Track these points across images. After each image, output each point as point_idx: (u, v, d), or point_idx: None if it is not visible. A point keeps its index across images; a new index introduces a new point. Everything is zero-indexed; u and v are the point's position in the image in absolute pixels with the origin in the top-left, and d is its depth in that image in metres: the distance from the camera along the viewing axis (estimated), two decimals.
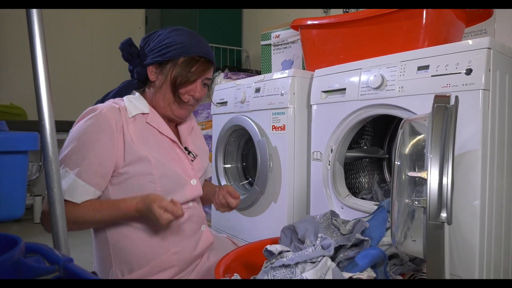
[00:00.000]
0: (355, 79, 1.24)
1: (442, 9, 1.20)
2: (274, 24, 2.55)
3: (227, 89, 1.74)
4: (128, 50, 0.99)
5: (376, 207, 1.22)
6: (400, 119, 1.56)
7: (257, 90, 1.55)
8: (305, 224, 1.03)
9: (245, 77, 1.97)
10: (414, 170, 0.78)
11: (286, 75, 1.44)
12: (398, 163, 0.72)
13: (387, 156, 1.67)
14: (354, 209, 1.26)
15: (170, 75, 0.95)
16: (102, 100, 1.01)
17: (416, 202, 0.62)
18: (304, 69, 1.61)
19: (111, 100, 0.98)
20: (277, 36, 1.87)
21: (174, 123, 1.07)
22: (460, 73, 0.97)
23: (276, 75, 1.49)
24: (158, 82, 0.97)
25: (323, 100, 1.35)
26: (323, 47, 1.49)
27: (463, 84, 0.96)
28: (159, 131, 0.97)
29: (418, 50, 1.09)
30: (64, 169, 0.85)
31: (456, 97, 0.67)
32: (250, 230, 1.60)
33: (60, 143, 0.58)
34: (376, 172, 1.66)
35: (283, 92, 1.43)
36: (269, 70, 1.95)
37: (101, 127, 0.88)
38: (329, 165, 1.33)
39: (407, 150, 0.75)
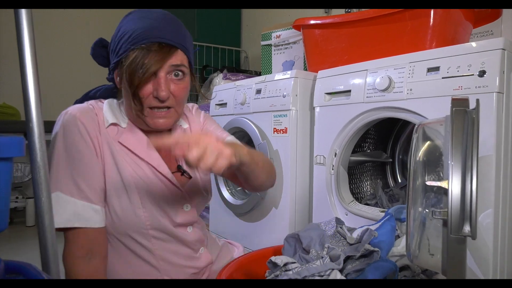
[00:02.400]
0: (360, 80, 1.19)
1: (451, 9, 1.16)
2: (273, 24, 2.50)
3: (227, 90, 1.69)
4: (101, 53, 0.81)
5: (382, 213, 1.18)
6: (406, 122, 1.52)
7: (258, 91, 1.50)
8: (310, 233, 0.98)
9: (245, 78, 1.92)
10: (429, 178, 0.73)
11: (288, 76, 1.40)
12: (414, 170, 0.68)
13: (391, 160, 1.63)
14: (359, 216, 1.22)
15: (125, 76, 0.73)
16: (81, 101, 0.85)
17: (436, 214, 0.58)
18: (305, 70, 1.56)
19: (86, 102, 0.81)
20: (278, 36, 1.83)
21: (165, 132, 0.84)
22: (472, 75, 0.92)
23: (278, 76, 1.44)
24: (122, 88, 0.77)
25: (327, 102, 1.30)
26: (326, 48, 1.44)
27: (476, 87, 0.91)
28: (135, 154, 0.78)
29: (427, 51, 1.05)
30: (55, 193, 0.70)
31: (477, 100, 0.63)
32: (250, 236, 1.55)
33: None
34: (379, 177, 1.62)
35: (285, 93, 1.38)
36: (269, 71, 1.90)
37: (71, 132, 0.73)
38: (332, 169, 1.29)
39: (421, 157, 0.70)
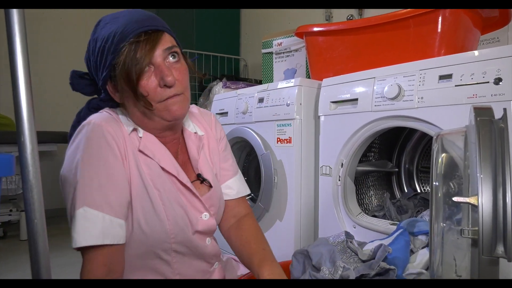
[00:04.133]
0: (368, 88, 1.15)
1: (460, 16, 1.14)
2: (272, 32, 2.48)
3: (228, 98, 1.65)
4: (82, 83, 0.76)
5: (392, 226, 1.13)
6: (411, 131, 1.49)
7: (261, 100, 1.46)
8: (319, 248, 0.93)
9: (245, 87, 1.88)
10: (449, 192, 0.69)
11: (292, 84, 1.36)
12: (436, 184, 0.63)
13: (397, 169, 1.58)
14: (367, 229, 1.17)
15: (121, 79, 0.68)
16: (80, 118, 0.78)
17: (465, 233, 0.53)
18: (308, 78, 1.53)
19: (103, 110, 0.76)
20: (280, 44, 1.79)
21: (176, 131, 0.81)
22: (488, 82, 0.89)
23: (281, 84, 1.40)
24: (122, 99, 0.73)
25: (332, 111, 1.26)
26: (330, 55, 1.41)
27: (491, 95, 0.88)
28: (156, 162, 0.75)
29: (439, 58, 1.02)
30: (82, 208, 0.64)
31: (505, 109, 0.59)
32: None
33: (46, 155, 0.48)
34: (385, 187, 1.57)
35: (289, 102, 1.34)
36: (270, 80, 1.86)
37: (98, 144, 0.67)
38: (339, 180, 1.24)
39: (443, 169, 0.66)
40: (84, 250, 0.65)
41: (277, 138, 1.38)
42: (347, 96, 1.22)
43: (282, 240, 1.36)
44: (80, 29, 3.21)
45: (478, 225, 0.51)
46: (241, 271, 1.00)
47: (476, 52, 0.93)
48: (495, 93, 0.87)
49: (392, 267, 0.77)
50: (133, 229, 0.71)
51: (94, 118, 0.70)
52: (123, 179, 0.69)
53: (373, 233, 1.15)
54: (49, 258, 0.45)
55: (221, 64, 2.71)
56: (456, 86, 0.94)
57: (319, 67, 1.46)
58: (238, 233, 0.87)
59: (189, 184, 0.78)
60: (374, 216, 1.30)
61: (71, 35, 3.16)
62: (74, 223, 0.63)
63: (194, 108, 0.93)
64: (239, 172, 0.95)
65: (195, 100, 2.59)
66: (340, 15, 2.15)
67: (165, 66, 0.70)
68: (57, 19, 3.08)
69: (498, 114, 0.61)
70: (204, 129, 0.89)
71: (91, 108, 0.80)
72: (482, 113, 0.61)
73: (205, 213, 0.80)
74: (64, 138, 2.60)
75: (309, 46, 1.48)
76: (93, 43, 0.71)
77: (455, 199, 0.55)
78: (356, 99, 1.18)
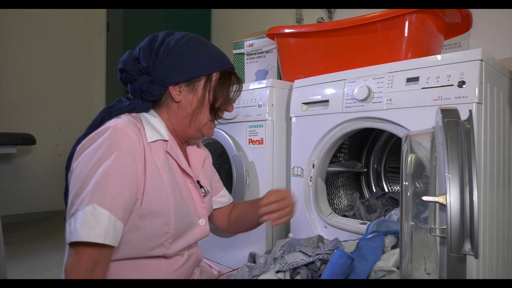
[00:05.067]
0: (338, 90, 1.17)
1: (425, 21, 1.18)
2: (244, 33, 2.47)
3: None
4: (133, 67, 0.82)
5: (362, 225, 1.15)
6: (380, 132, 1.53)
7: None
8: (284, 246, 0.93)
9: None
10: (416, 191, 0.71)
11: (264, 85, 1.36)
12: (406, 183, 0.65)
13: (366, 170, 1.62)
14: (338, 228, 1.18)
15: (207, 95, 0.82)
16: (101, 120, 0.81)
17: (434, 231, 0.54)
18: (279, 79, 1.53)
19: (125, 116, 0.78)
20: (251, 45, 1.79)
21: (184, 149, 0.92)
22: (452, 85, 0.92)
23: (253, 85, 1.40)
24: (187, 102, 0.83)
25: (304, 112, 1.27)
26: (302, 57, 1.42)
27: (456, 97, 0.91)
28: (178, 163, 0.83)
29: (406, 61, 1.04)
30: (92, 205, 0.66)
31: (470, 111, 0.61)
32: (224, 252, 1.47)
33: (5, 158, 0.44)
34: (354, 187, 1.60)
35: (260, 103, 1.34)
36: (242, 80, 1.85)
37: (121, 148, 0.70)
38: (310, 181, 1.25)
39: (412, 170, 0.67)
40: (78, 243, 0.66)
41: (249, 139, 1.37)
42: (318, 98, 1.23)
43: (253, 241, 1.35)
44: (41, 28, 3.06)
45: (447, 224, 0.53)
46: (215, 273, 0.99)
47: (441, 56, 0.96)
48: (459, 96, 0.90)
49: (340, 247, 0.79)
50: (133, 234, 0.74)
51: (119, 122, 0.73)
52: (134, 186, 0.72)
53: (343, 233, 1.17)
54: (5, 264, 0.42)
55: None
56: (422, 88, 0.97)
57: (290, 68, 1.46)
58: (232, 217, 1.05)
59: (198, 187, 0.88)
60: (345, 216, 1.32)
61: (32, 33, 3.01)
62: (82, 217, 0.65)
63: None
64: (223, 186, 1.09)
65: None
66: (311, 17, 2.17)
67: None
68: (17, 17, 2.92)
69: (463, 116, 0.63)
70: (200, 146, 1.00)
71: (122, 109, 0.82)
72: (449, 115, 0.63)
73: (202, 219, 0.87)
74: (25, 140, 2.46)
75: (281, 47, 1.48)
76: (183, 48, 0.81)
77: (424, 198, 0.56)
78: (327, 101, 1.20)
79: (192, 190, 0.86)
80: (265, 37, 1.71)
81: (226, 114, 0.91)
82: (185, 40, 0.82)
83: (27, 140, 2.46)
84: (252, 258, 0.96)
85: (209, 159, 1.03)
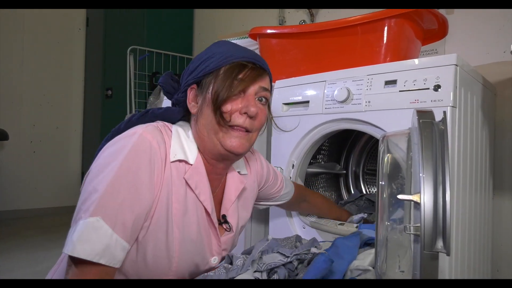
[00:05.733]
0: (319, 91, 1.18)
1: (403, 26, 1.20)
2: (226, 32, 2.47)
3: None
4: (170, 84, 0.79)
5: (339, 226, 1.16)
6: (359, 134, 1.55)
7: None
8: (261, 244, 0.93)
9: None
10: (392, 192, 0.72)
11: None
12: (382, 183, 0.66)
13: (344, 171, 1.64)
14: (316, 229, 1.19)
15: (211, 91, 0.71)
16: (128, 123, 0.75)
17: (408, 229, 0.55)
18: None
19: (156, 124, 0.72)
20: None
21: (226, 167, 0.81)
22: (428, 89, 0.94)
23: None
24: (200, 112, 0.74)
25: (284, 113, 1.28)
26: (283, 58, 1.43)
27: (431, 100, 0.94)
28: (195, 194, 0.73)
29: (385, 64, 1.07)
30: (96, 218, 0.59)
31: (444, 112, 0.63)
32: None
33: None
34: (333, 189, 1.62)
35: None
36: None
37: (142, 160, 0.64)
38: None
39: (388, 170, 0.69)
40: (78, 260, 0.59)
41: None
42: (299, 99, 1.24)
43: None
44: (16, 22, 2.97)
45: (420, 222, 0.54)
46: None
47: (418, 60, 0.99)
48: (435, 99, 0.93)
49: (323, 251, 0.79)
50: (137, 257, 0.67)
51: (147, 130, 0.68)
52: (148, 205, 0.65)
53: (321, 233, 1.18)
54: None
55: (173, 63, 2.64)
56: (400, 91, 0.99)
57: (272, 69, 1.46)
58: (309, 205, 1.15)
59: (216, 225, 0.77)
60: (323, 217, 1.33)
61: (7, 27, 2.90)
62: (82, 229, 0.58)
63: None
64: (281, 175, 1.03)
65: (145, 98, 2.49)
66: (293, 19, 2.19)
67: (253, 98, 0.74)
68: None
69: (438, 118, 0.65)
70: (248, 167, 0.90)
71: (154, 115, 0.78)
72: (424, 116, 0.64)
73: (215, 257, 0.79)
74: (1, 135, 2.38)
75: (263, 48, 1.49)
76: (201, 54, 0.77)
77: (399, 196, 0.57)
78: (308, 102, 1.21)
79: (210, 228, 0.77)
80: (247, 37, 1.71)
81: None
82: (210, 46, 0.78)
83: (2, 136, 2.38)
84: (229, 259, 0.95)
85: (251, 185, 0.91)
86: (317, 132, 1.18)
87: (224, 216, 0.81)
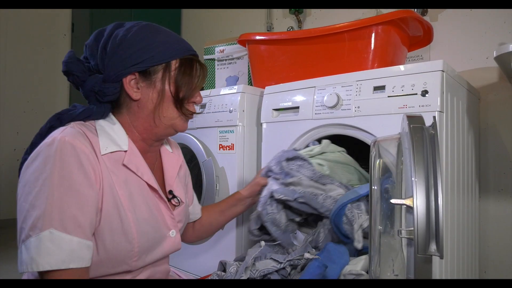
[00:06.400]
0: (309, 97, 1.19)
1: (390, 33, 1.23)
2: (214, 38, 2.47)
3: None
4: (78, 67, 0.74)
5: None
6: (350, 139, 1.56)
7: (203, 106, 1.43)
8: (254, 251, 0.93)
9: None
10: (384, 196, 0.73)
11: (235, 91, 1.35)
12: (375, 188, 0.66)
13: None
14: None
15: (167, 87, 0.75)
16: (46, 130, 0.73)
17: (402, 233, 0.56)
18: (250, 85, 1.54)
19: (73, 125, 0.70)
20: (222, 51, 1.78)
21: (160, 143, 0.85)
22: (416, 94, 0.96)
23: (224, 90, 1.39)
24: (146, 99, 0.75)
25: (275, 119, 1.28)
26: (273, 64, 1.44)
27: (419, 106, 0.95)
28: (138, 175, 0.75)
29: (373, 70, 1.08)
30: (48, 230, 0.60)
31: (434, 117, 0.64)
32: (194, 260, 1.44)
33: None
34: None
35: (231, 109, 1.34)
36: (212, 86, 1.85)
37: (71, 163, 0.63)
38: None
39: (380, 174, 0.70)
40: (48, 272, 0.61)
41: (220, 145, 1.36)
42: (289, 104, 1.25)
43: (223, 249, 1.33)
44: (7, 28, 2.91)
45: (414, 226, 0.54)
46: None
47: (405, 66, 1.01)
48: (423, 104, 0.95)
49: (316, 257, 0.80)
50: (97, 247, 0.68)
51: (65, 134, 0.66)
52: (94, 200, 0.66)
53: None
54: None
55: None
56: (388, 96, 1.01)
57: (261, 75, 1.47)
58: (205, 222, 1.05)
59: (165, 200, 0.80)
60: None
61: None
62: (38, 245, 0.59)
63: None
64: (195, 196, 1.03)
65: None
66: (281, 26, 2.21)
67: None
68: None
69: (427, 123, 0.66)
70: (173, 149, 0.94)
71: (73, 116, 0.75)
72: (414, 121, 0.65)
73: (172, 230, 0.81)
74: None
75: (252, 54, 1.49)
76: (132, 37, 0.73)
77: (392, 201, 0.58)
78: (298, 107, 1.21)
79: (160, 203, 0.79)
80: (236, 44, 1.72)
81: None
82: (135, 30, 0.74)
83: None
84: (222, 266, 0.95)
85: (185, 167, 0.97)
86: (308, 137, 1.19)
87: (171, 192, 0.85)
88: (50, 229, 0.60)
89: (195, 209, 1.01)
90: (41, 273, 0.61)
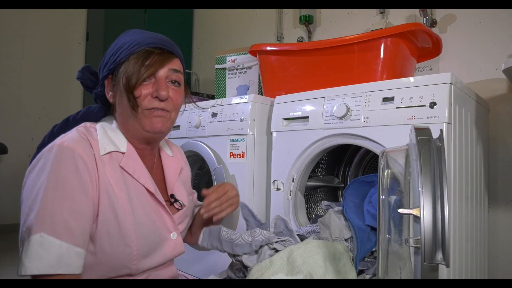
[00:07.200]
0: (318, 107, 1.22)
1: (399, 45, 1.25)
2: (225, 48, 2.52)
3: (180, 112, 1.63)
4: (88, 78, 0.81)
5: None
6: (357, 148, 1.58)
7: (214, 114, 1.47)
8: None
9: (197, 101, 1.87)
10: (392, 205, 0.75)
11: (246, 100, 1.39)
12: (383, 197, 0.68)
13: (343, 185, 1.66)
14: None
15: (122, 79, 0.74)
16: (51, 135, 0.78)
17: (409, 242, 0.58)
18: (260, 95, 1.57)
19: (76, 129, 0.73)
20: (233, 61, 1.83)
21: (154, 147, 0.84)
22: (424, 105, 0.98)
23: (235, 100, 1.43)
24: (117, 100, 0.77)
25: (285, 128, 1.31)
26: (283, 74, 1.47)
27: (427, 117, 0.97)
28: (134, 178, 0.75)
29: (382, 81, 1.10)
30: (39, 234, 0.61)
31: (441, 130, 0.66)
32: (204, 265, 1.47)
33: None
34: (332, 201, 1.64)
35: (242, 117, 1.37)
36: (223, 95, 1.88)
37: (67, 168, 0.65)
38: (290, 195, 1.28)
39: (388, 184, 0.71)
40: (36, 277, 0.61)
41: (230, 152, 1.39)
42: (299, 114, 1.27)
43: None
44: (17, 36, 3.00)
45: (420, 235, 0.56)
46: None
47: (414, 78, 1.03)
48: (431, 116, 0.97)
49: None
50: (95, 253, 0.68)
51: (65, 139, 0.68)
52: (88, 206, 0.66)
53: None
54: None
55: None
56: (397, 108, 1.03)
57: (272, 84, 1.51)
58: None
59: (163, 203, 0.79)
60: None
61: (7, 41, 2.94)
62: (28, 248, 0.60)
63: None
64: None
65: None
66: (291, 36, 2.25)
67: (164, 81, 0.76)
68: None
69: (434, 135, 0.68)
70: (175, 154, 0.93)
71: (76, 120, 0.80)
72: (422, 133, 0.68)
73: (173, 232, 0.80)
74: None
75: (262, 64, 1.53)
76: (113, 46, 0.78)
77: (400, 210, 0.60)
78: (307, 117, 1.24)
79: (158, 207, 0.78)
80: (247, 54, 1.75)
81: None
82: (121, 35, 0.80)
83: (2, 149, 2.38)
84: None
85: (186, 170, 0.96)
86: (317, 146, 1.21)
87: (172, 196, 0.85)
88: (40, 233, 0.61)
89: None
90: (33, 279, 0.62)
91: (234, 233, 0.87)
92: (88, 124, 0.77)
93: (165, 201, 0.82)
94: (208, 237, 0.88)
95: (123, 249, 0.69)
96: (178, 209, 0.85)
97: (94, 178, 0.68)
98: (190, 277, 1.08)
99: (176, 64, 0.79)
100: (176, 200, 0.85)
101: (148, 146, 0.81)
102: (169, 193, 0.85)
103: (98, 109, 0.81)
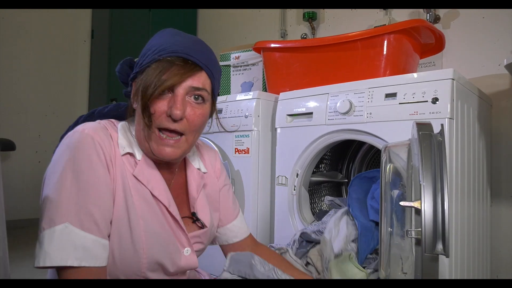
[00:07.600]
0: (322, 103, 1.23)
1: (402, 41, 1.26)
2: (229, 46, 2.53)
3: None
4: (126, 72, 0.74)
5: None
6: (360, 143, 1.60)
7: (219, 111, 1.49)
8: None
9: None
10: (394, 199, 0.76)
11: (250, 97, 1.41)
12: (385, 191, 0.70)
13: (346, 180, 1.68)
14: None
15: (140, 88, 0.66)
16: (75, 125, 0.72)
17: (410, 233, 0.60)
18: (265, 91, 1.59)
19: (98, 121, 0.70)
20: (237, 58, 1.84)
21: (172, 166, 0.77)
22: (426, 101, 1.00)
23: (240, 96, 1.45)
24: (134, 105, 0.71)
25: (289, 124, 1.33)
26: (287, 71, 1.48)
27: (430, 112, 0.99)
28: (149, 189, 0.69)
29: (385, 78, 1.12)
30: (64, 224, 0.58)
31: (442, 125, 0.67)
32: (210, 261, 1.49)
33: None
34: (336, 196, 1.66)
35: (247, 114, 1.39)
36: (228, 92, 1.90)
37: (89, 156, 0.62)
38: (294, 190, 1.30)
39: (390, 178, 0.73)
40: (60, 269, 0.59)
41: (235, 148, 1.41)
42: (303, 110, 1.29)
43: None
44: (23, 34, 3.03)
45: (421, 226, 0.58)
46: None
47: (416, 74, 1.04)
48: (433, 111, 0.98)
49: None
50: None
51: (88, 127, 0.65)
52: (110, 197, 0.64)
53: None
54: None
55: None
56: (400, 103, 1.04)
57: (276, 81, 1.52)
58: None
59: (178, 217, 0.73)
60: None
61: (14, 39, 2.97)
62: (53, 238, 0.58)
63: (201, 142, 0.90)
64: (240, 213, 0.92)
65: None
66: (295, 33, 2.26)
67: (181, 98, 0.66)
68: (4, 22, 2.89)
69: (436, 130, 0.70)
70: (207, 165, 0.85)
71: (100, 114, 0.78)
72: (423, 128, 0.69)
73: (187, 248, 0.74)
74: (4, 146, 2.43)
75: (267, 61, 1.54)
76: (146, 45, 0.71)
77: (401, 203, 0.62)
78: (311, 113, 1.26)
79: (171, 223, 0.72)
80: (251, 51, 1.77)
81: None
82: (150, 40, 0.72)
83: (6, 146, 2.42)
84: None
85: (213, 182, 0.85)
86: (321, 142, 1.23)
87: (194, 214, 0.77)
88: (65, 223, 0.58)
89: (233, 229, 0.88)
90: (58, 270, 0.60)
91: (267, 264, 0.79)
92: (112, 120, 0.73)
93: (186, 217, 0.77)
94: (235, 264, 0.78)
95: (132, 254, 0.65)
96: (200, 228, 0.78)
97: (112, 171, 0.65)
98: (203, 273, 1.04)
99: (199, 79, 0.68)
100: (197, 219, 0.77)
101: (164, 165, 0.74)
102: (191, 210, 0.78)
103: (126, 108, 0.77)
